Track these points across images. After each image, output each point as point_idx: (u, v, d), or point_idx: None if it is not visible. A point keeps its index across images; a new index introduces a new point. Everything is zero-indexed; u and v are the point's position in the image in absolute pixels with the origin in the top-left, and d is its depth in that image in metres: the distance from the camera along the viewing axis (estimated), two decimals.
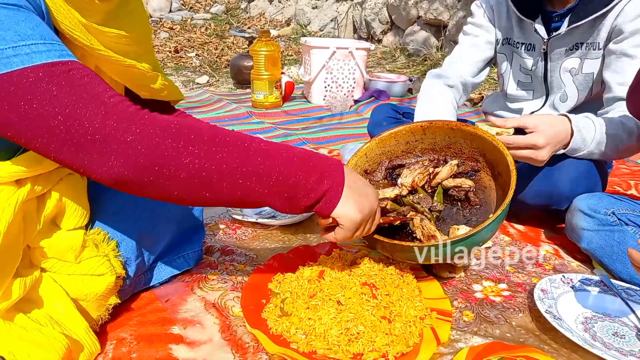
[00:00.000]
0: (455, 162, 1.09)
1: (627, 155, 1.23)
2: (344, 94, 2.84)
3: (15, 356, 0.69)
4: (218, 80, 3.62)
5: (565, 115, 1.14)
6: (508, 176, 0.96)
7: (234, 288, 1.00)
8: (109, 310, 0.85)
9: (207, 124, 0.76)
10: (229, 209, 1.33)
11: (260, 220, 1.26)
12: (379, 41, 4.71)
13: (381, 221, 0.92)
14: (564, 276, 1.03)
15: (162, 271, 1.02)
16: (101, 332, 0.85)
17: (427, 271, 1.07)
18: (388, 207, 1.02)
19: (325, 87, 2.82)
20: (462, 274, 1.08)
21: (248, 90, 2.94)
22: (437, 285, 1.01)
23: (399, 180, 1.10)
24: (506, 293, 1.02)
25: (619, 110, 1.18)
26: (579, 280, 1.03)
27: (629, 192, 1.68)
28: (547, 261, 1.16)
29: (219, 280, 1.02)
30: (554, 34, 1.27)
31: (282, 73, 2.84)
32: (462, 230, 0.96)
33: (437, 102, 1.39)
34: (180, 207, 1.06)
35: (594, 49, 1.25)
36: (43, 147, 0.65)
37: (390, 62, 4.17)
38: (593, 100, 1.33)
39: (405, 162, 1.15)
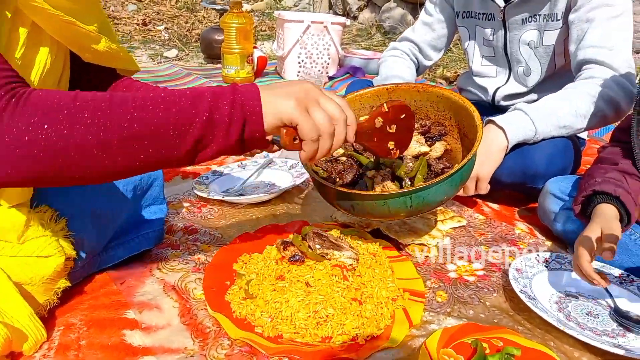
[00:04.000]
0: (444, 145, 1.04)
1: (603, 123, 1.20)
2: (319, 70, 2.76)
3: None
4: (188, 54, 3.49)
5: (491, 121, 1.16)
6: (474, 134, 0.93)
7: (196, 269, 0.94)
8: (57, 295, 0.78)
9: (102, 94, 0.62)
10: (194, 186, 1.26)
11: (226, 198, 1.20)
12: (355, 18, 4.62)
13: (362, 120, 0.78)
14: (538, 255, 1.01)
15: (119, 252, 0.95)
16: (49, 317, 0.78)
17: (400, 251, 1.03)
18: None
19: (299, 63, 2.74)
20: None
21: (219, 65, 2.83)
22: (410, 265, 0.97)
23: None
24: (480, 273, 0.99)
25: (586, 76, 1.18)
26: (553, 260, 1.01)
27: None
28: (522, 240, 1.13)
29: (180, 261, 0.96)
30: (510, 1, 1.29)
31: (255, 47, 2.74)
32: None
33: (395, 67, 1.50)
34: (139, 183, 0.99)
35: (552, 20, 1.27)
36: None
37: (366, 40, 4.10)
38: (560, 74, 1.34)
39: None
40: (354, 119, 0.71)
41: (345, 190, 0.88)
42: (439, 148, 1.03)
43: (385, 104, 0.80)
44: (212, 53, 3.09)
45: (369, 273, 0.88)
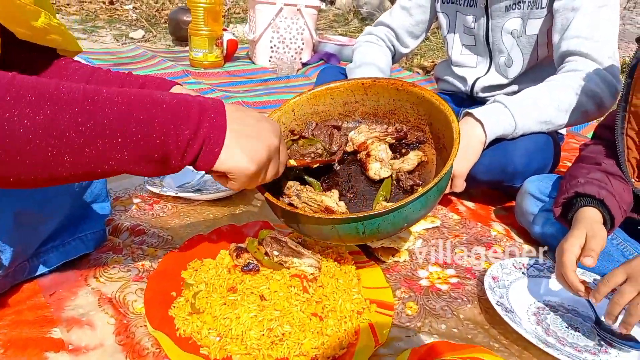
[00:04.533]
0: (419, 156, 0.88)
1: (585, 118, 1.13)
2: (292, 56, 2.65)
3: None
4: (155, 35, 3.31)
5: (469, 113, 1.09)
6: (450, 148, 0.78)
7: (138, 278, 0.83)
8: None
9: (36, 79, 0.53)
10: (146, 179, 1.15)
11: (181, 194, 1.09)
12: (332, 3, 4.49)
13: (293, 163, 0.78)
14: (515, 261, 0.94)
15: (52, 257, 0.84)
16: None
17: (368, 255, 0.94)
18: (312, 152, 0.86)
19: (272, 48, 2.61)
20: (407, 257, 0.97)
21: (187, 48, 2.68)
22: (378, 272, 0.88)
23: (351, 134, 0.91)
24: (454, 280, 0.92)
25: (569, 69, 1.11)
26: (531, 266, 0.94)
27: None
28: (498, 242, 1.07)
29: (121, 268, 0.85)
30: None
31: (225, 30, 2.60)
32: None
33: (369, 54, 1.41)
34: None
35: (537, 8, 1.20)
36: None
37: (342, 25, 3.98)
38: (542, 66, 1.28)
39: (343, 124, 0.95)
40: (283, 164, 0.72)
41: (289, 209, 0.75)
42: (411, 160, 0.87)
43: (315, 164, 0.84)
44: (181, 35, 2.94)
45: (332, 283, 0.79)
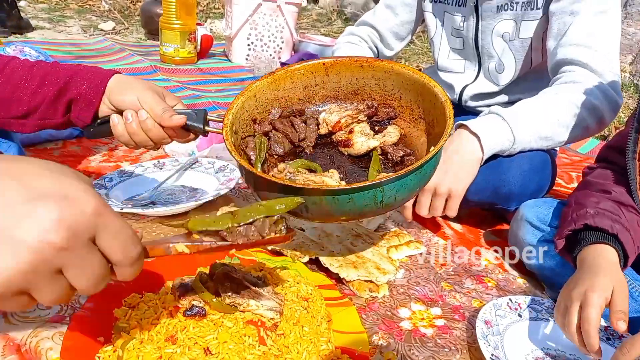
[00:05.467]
0: (398, 129, 0.83)
1: (585, 135, 1.02)
2: (270, 55, 2.50)
3: None
4: (127, 28, 3.13)
5: (463, 125, 0.97)
6: (437, 114, 0.75)
7: (59, 318, 0.68)
8: None
9: None
10: None
11: (126, 210, 0.94)
12: (315, 1, 4.36)
13: (184, 250, 0.48)
14: (510, 300, 0.82)
15: None
16: None
17: (342, 289, 0.81)
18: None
19: (249, 45, 2.46)
20: (387, 292, 0.84)
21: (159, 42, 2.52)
22: (353, 312, 0.75)
23: (322, 116, 0.83)
24: (440, 322, 0.79)
25: (566, 80, 1.00)
26: (528, 306, 0.82)
27: (570, 186, 1.52)
28: (489, 275, 0.94)
29: (39, 304, 0.70)
30: None
31: (199, 24, 2.44)
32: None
33: (349, 51, 1.32)
34: None
35: (532, 9, 1.10)
36: None
37: (325, 25, 3.85)
38: (536, 73, 1.18)
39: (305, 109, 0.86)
40: (134, 274, 0.41)
41: (294, 184, 0.65)
42: (393, 133, 0.82)
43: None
44: (153, 28, 2.75)
45: (295, 331, 0.65)
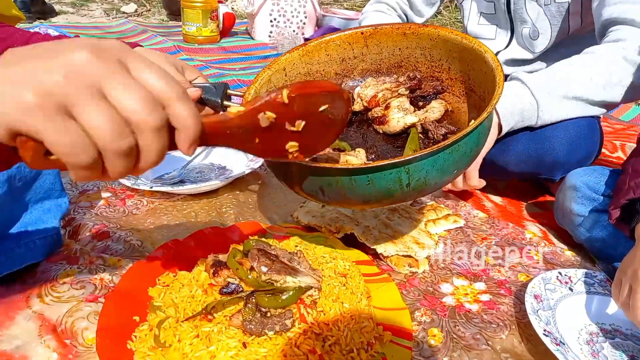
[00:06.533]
0: (443, 105, 0.74)
1: (632, 95, 0.93)
2: (293, 31, 2.44)
3: None
4: (149, 10, 3.11)
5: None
6: (488, 85, 0.65)
7: (94, 297, 0.67)
8: None
9: None
10: None
11: (155, 189, 0.92)
12: None
13: (229, 113, 0.41)
14: (560, 273, 0.77)
15: None
16: None
17: (379, 265, 0.77)
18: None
19: (271, 22, 2.41)
20: (427, 267, 0.80)
21: (181, 23, 2.49)
22: (393, 288, 0.72)
23: (356, 90, 0.77)
24: (485, 297, 0.75)
25: (611, 39, 0.91)
26: (579, 279, 0.77)
27: (615, 155, 1.44)
28: (535, 247, 0.89)
29: (73, 284, 0.69)
30: None
31: (220, 2, 2.40)
32: None
33: (378, 19, 1.26)
34: (17, 172, 0.70)
35: None
36: None
37: None
38: (575, 39, 1.09)
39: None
40: (191, 111, 0.34)
41: (311, 163, 0.56)
42: (436, 108, 0.74)
43: (285, 91, 0.43)
44: (175, 9, 2.74)
45: (335, 308, 0.63)
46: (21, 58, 0.31)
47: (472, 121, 0.59)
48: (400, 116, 0.73)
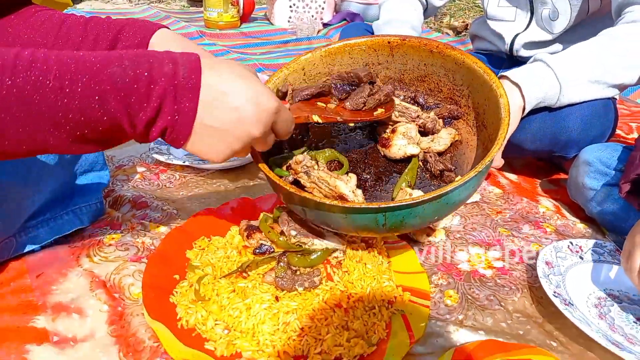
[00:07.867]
0: (452, 135, 0.75)
1: None
2: (312, 16, 2.48)
3: None
4: None
5: (504, 77, 0.92)
6: (496, 130, 0.64)
7: (137, 258, 0.73)
8: None
9: None
10: (152, 146, 1.04)
11: (188, 163, 0.98)
12: None
13: (317, 119, 0.66)
14: (571, 243, 0.81)
15: (42, 232, 0.74)
16: None
17: (400, 235, 0.82)
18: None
19: (291, 7, 2.45)
20: (444, 237, 0.85)
21: (202, 8, 2.54)
22: (412, 254, 0.77)
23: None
24: (499, 264, 0.79)
25: (628, 20, 0.93)
26: (589, 248, 0.81)
27: (631, 136, 1.46)
28: (548, 221, 0.93)
29: (118, 246, 0.75)
30: None
31: None
32: (416, 194, 0.65)
33: (397, 10, 1.27)
34: None
35: None
36: None
37: None
38: (594, 21, 1.11)
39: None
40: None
41: (292, 189, 0.59)
42: (443, 140, 0.74)
43: (340, 117, 0.68)
44: None
45: (359, 269, 0.68)
46: (221, 118, 0.50)
47: (459, 177, 0.61)
48: (403, 144, 0.73)
